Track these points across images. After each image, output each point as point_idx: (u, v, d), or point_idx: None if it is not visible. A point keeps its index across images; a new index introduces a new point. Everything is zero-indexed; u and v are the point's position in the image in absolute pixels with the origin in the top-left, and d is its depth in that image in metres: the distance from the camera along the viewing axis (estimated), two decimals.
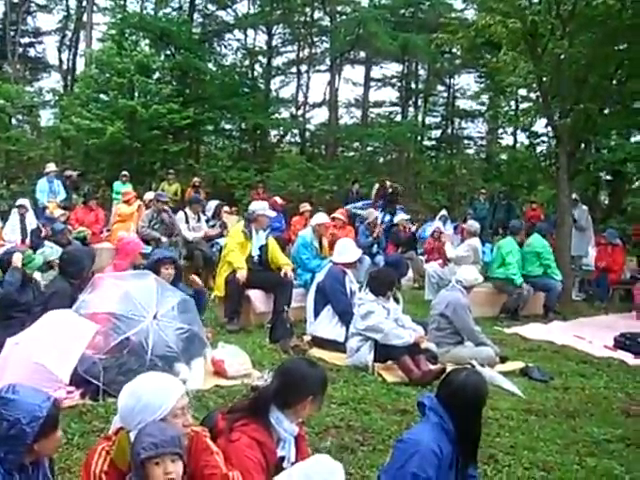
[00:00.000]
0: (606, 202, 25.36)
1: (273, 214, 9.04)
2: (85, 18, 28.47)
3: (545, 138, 14.41)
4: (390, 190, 15.89)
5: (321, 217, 10.08)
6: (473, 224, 11.92)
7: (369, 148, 28.40)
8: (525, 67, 12.70)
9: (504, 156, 27.82)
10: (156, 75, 22.93)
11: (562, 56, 11.42)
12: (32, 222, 12.83)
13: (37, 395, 3.00)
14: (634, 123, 14.15)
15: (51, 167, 15.26)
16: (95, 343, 5.62)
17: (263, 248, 8.71)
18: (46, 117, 28.78)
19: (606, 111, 13.03)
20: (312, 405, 3.64)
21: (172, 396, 3.11)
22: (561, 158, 11.97)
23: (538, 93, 13.43)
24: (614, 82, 12.42)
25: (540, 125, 14.65)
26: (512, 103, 20.83)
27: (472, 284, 7.80)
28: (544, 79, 12.25)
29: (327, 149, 27.82)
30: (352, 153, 29.23)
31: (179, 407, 3.13)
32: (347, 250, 8.31)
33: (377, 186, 16.59)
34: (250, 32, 29.63)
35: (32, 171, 20.69)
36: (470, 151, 31.58)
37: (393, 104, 32.29)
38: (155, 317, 5.73)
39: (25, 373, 5.04)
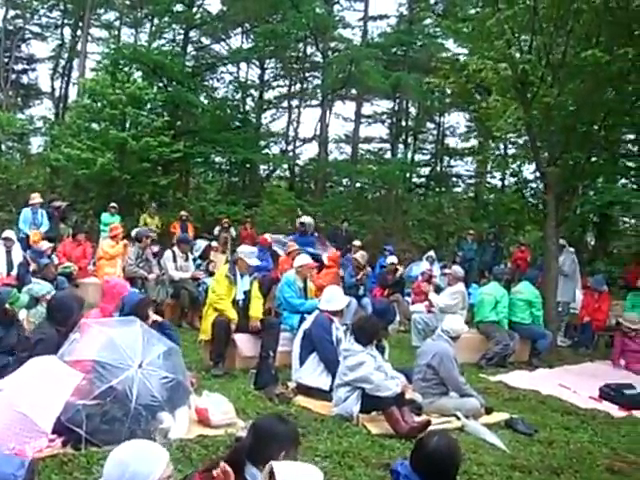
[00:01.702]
0: (592, 243, 25.49)
1: (255, 262, 8.97)
2: (79, 47, 28.64)
3: (533, 184, 14.54)
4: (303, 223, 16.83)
5: (303, 259, 10.06)
6: (458, 270, 11.93)
7: (358, 184, 28.47)
8: (515, 113, 12.82)
9: (492, 195, 28.01)
10: (148, 107, 22.98)
11: (551, 103, 11.54)
12: (18, 255, 12.74)
13: (10, 463, 2.96)
14: (620, 170, 14.30)
15: (36, 198, 15.13)
16: (79, 388, 5.56)
17: (247, 293, 8.72)
18: (36, 144, 28.89)
19: (594, 158, 13.12)
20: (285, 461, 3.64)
21: (160, 465, 3.08)
22: (549, 205, 12.07)
23: (527, 138, 13.56)
24: (602, 130, 12.53)
25: (529, 170, 14.80)
26: (501, 147, 20.99)
27: (459, 334, 7.81)
28: (533, 126, 12.37)
29: (316, 184, 27.91)
30: (341, 188, 29.30)
31: (165, 476, 3.11)
32: (334, 298, 8.28)
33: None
34: (243, 66, 29.98)
35: (21, 199, 20.63)
36: (458, 189, 31.78)
37: (383, 141, 32.58)
38: (140, 366, 5.68)
39: (7, 422, 5.01)
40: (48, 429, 5.14)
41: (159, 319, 7.47)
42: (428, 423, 6.54)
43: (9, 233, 13.04)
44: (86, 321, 6.20)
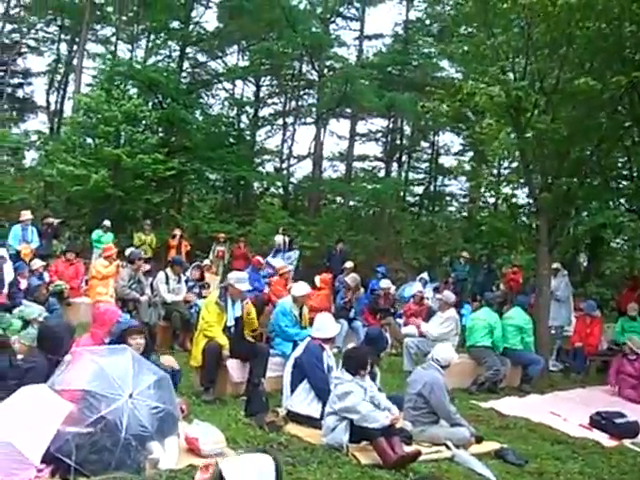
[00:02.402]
0: (585, 264, 25.53)
1: (246, 287, 8.93)
2: (75, 62, 28.66)
3: (526, 208, 14.56)
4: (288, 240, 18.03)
5: (302, 288, 10.04)
6: (449, 296, 11.86)
7: (352, 203, 28.44)
8: (508, 139, 12.88)
9: (485, 213, 27.97)
10: (143, 124, 23.01)
11: (544, 129, 11.56)
12: (10, 273, 12.70)
13: None
14: (613, 196, 14.33)
15: (27, 215, 15.12)
16: (70, 417, 5.53)
17: (239, 319, 8.72)
18: (30, 157, 28.87)
19: (587, 182, 13.14)
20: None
21: None
22: (541, 231, 12.10)
23: (520, 163, 13.61)
24: (594, 155, 12.58)
25: (522, 194, 14.85)
26: (494, 171, 21.08)
27: (449, 362, 7.83)
28: (527, 151, 12.40)
29: (310, 203, 27.90)
30: (334, 207, 29.19)
31: None
32: (325, 325, 8.26)
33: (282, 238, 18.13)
34: (238, 82, 29.99)
35: (14, 215, 20.57)
36: (452, 209, 31.85)
37: (377, 159, 32.55)
38: (131, 396, 5.66)
39: None
40: (36, 460, 5.11)
41: (176, 367, 7.54)
42: (418, 454, 6.54)
43: (1, 251, 13.03)
44: (77, 349, 6.19)
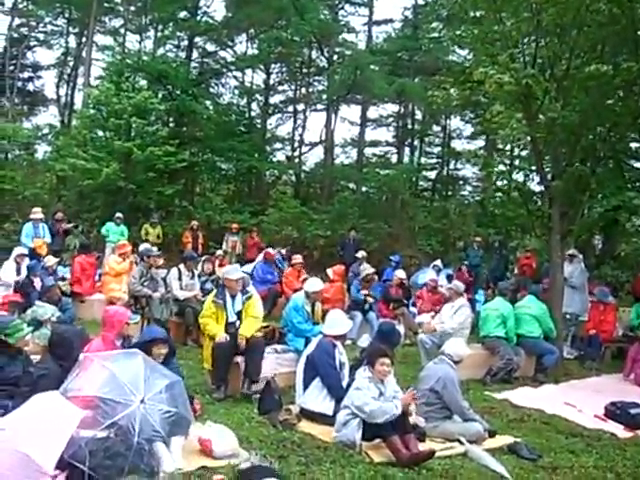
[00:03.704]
0: (599, 246, 25.36)
1: (240, 275, 8.85)
2: (84, 54, 28.71)
3: (538, 196, 14.43)
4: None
5: (316, 284, 9.99)
6: (459, 285, 11.73)
7: (364, 189, 28.32)
8: (518, 127, 12.76)
9: (497, 199, 27.75)
10: (153, 116, 23.03)
11: (555, 118, 11.43)
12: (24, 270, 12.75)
13: None
14: (625, 180, 14.19)
15: (37, 214, 15.22)
16: (83, 423, 5.55)
17: (241, 313, 8.63)
18: (42, 150, 28.97)
19: (599, 169, 13.00)
20: None
21: None
22: (554, 219, 11.97)
23: (531, 151, 13.48)
24: (606, 141, 12.44)
25: (534, 181, 14.73)
26: (506, 158, 20.95)
27: (462, 358, 7.81)
28: (538, 140, 12.27)
29: (322, 190, 27.86)
30: (347, 193, 29.07)
31: None
32: (337, 322, 8.26)
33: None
34: (248, 71, 29.89)
35: (27, 210, 20.69)
36: (464, 193, 31.65)
37: (389, 144, 32.44)
38: (143, 401, 5.67)
39: (8, 463, 4.99)
40: (50, 470, 5.13)
41: None
42: (432, 453, 6.51)
43: (22, 250, 13.13)
44: (88, 355, 6.20)
